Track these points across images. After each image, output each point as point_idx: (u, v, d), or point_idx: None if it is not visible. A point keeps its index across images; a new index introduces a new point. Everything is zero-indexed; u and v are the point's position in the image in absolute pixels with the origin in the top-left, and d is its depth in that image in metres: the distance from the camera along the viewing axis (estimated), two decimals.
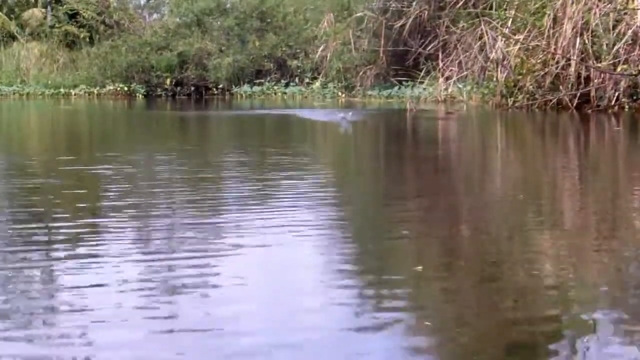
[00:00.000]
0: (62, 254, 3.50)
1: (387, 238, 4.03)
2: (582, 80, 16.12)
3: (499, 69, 17.36)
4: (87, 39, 33.15)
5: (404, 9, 23.39)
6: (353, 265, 3.41)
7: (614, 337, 2.44)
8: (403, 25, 23.20)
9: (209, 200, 5.18)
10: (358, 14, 25.88)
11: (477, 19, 18.55)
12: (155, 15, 35.37)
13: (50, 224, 4.25)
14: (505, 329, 2.55)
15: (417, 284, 3.12)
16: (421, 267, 3.33)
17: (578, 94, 15.97)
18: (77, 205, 4.94)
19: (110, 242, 3.82)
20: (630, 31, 15.32)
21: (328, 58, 26.91)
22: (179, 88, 31.22)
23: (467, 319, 2.64)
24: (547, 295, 2.93)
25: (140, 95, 30.77)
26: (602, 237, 4.08)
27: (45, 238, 3.91)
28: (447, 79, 20.12)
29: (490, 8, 18.74)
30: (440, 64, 20.82)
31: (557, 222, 4.49)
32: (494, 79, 17.61)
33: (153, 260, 3.39)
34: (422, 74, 22.32)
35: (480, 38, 18.30)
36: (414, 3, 23.00)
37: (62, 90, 31.43)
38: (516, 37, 17.27)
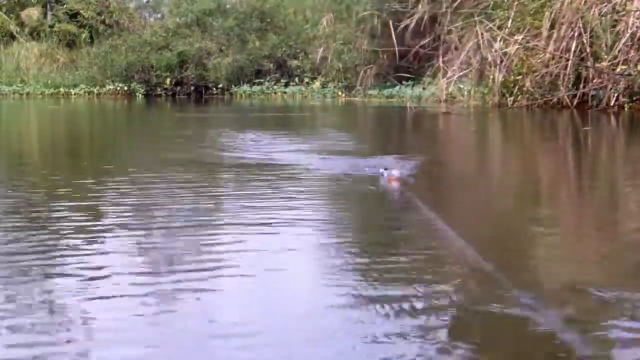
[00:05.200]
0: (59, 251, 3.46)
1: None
2: (582, 80, 16.08)
3: (497, 70, 17.34)
4: (87, 39, 33.15)
5: (406, 10, 23.29)
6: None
7: None
8: (405, 25, 23.11)
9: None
10: (361, 14, 25.76)
11: (475, 20, 18.52)
12: (155, 15, 35.38)
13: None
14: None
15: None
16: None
17: (578, 94, 15.94)
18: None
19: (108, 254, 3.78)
20: (629, 32, 15.28)
21: (328, 58, 26.91)
22: (178, 88, 31.25)
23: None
24: None
25: (140, 95, 30.78)
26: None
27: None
28: (447, 78, 20.08)
29: (491, 8, 18.70)
30: (440, 64, 20.78)
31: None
32: (493, 79, 17.58)
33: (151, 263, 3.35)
34: (424, 73, 22.28)
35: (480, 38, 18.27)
36: (419, 4, 22.86)
37: (62, 89, 31.45)
38: (515, 37, 17.24)
